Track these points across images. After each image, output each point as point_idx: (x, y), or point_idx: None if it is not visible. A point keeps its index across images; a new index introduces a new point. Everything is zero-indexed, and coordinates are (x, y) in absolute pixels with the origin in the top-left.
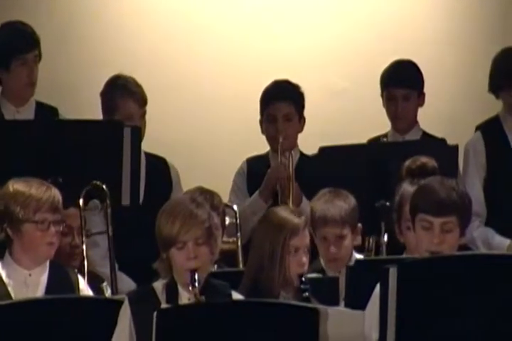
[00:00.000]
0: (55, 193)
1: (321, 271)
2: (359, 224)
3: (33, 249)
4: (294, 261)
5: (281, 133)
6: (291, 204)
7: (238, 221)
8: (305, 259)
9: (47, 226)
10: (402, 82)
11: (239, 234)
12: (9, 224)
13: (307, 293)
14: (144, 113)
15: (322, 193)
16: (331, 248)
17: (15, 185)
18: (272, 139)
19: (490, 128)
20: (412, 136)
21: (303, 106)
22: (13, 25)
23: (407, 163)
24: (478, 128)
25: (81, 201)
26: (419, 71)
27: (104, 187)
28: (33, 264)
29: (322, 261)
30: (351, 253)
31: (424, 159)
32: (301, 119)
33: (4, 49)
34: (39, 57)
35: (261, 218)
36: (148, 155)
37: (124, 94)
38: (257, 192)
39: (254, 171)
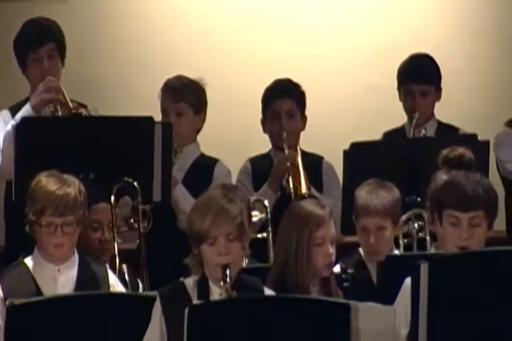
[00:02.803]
0: (68, 192)
1: (361, 263)
2: (402, 217)
3: (44, 248)
4: (320, 253)
5: (284, 129)
6: (304, 188)
7: (269, 216)
8: (331, 250)
9: (53, 229)
10: (420, 78)
11: (270, 229)
12: (26, 221)
13: (347, 283)
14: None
15: (367, 183)
16: (371, 239)
17: (37, 179)
18: (275, 136)
19: None
20: (429, 128)
21: (304, 105)
22: (32, 20)
23: (445, 151)
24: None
25: (112, 198)
26: (437, 65)
27: (135, 184)
28: (61, 259)
29: (362, 253)
30: (392, 247)
31: (461, 150)
32: (303, 117)
33: (19, 45)
34: (59, 51)
35: (286, 212)
36: (201, 156)
37: (162, 88)
38: (265, 184)
39: (259, 170)
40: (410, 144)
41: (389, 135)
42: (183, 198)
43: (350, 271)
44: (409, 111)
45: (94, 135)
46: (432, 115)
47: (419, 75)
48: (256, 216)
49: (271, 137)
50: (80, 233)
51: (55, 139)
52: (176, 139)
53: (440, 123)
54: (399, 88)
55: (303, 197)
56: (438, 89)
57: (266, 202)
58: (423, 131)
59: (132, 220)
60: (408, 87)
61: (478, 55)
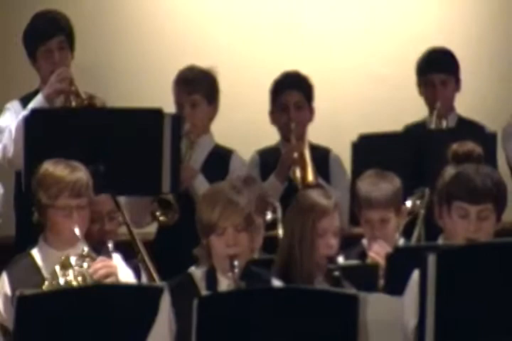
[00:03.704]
0: (80, 176)
1: (364, 254)
2: (404, 205)
3: (58, 233)
4: (322, 243)
5: (293, 121)
6: (311, 178)
7: (279, 215)
8: (333, 241)
9: (69, 211)
10: (439, 67)
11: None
12: (36, 207)
13: (337, 273)
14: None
15: (368, 174)
16: (375, 231)
17: (43, 168)
18: (284, 127)
19: None
20: (449, 121)
21: (312, 97)
22: (41, 13)
23: (455, 146)
24: None
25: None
26: (454, 57)
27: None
28: (66, 245)
29: (365, 244)
30: (396, 237)
31: (470, 145)
32: (311, 109)
33: (29, 37)
34: (69, 43)
35: (292, 200)
36: (216, 147)
37: (175, 80)
38: (272, 175)
39: (268, 162)
40: (419, 137)
41: (410, 128)
42: (204, 188)
43: (353, 261)
44: (430, 102)
45: (103, 127)
46: (453, 108)
47: (438, 65)
48: (267, 214)
49: (279, 129)
50: None
51: (65, 131)
52: (193, 131)
53: (461, 118)
54: (418, 81)
55: (310, 186)
56: (457, 81)
57: (277, 204)
58: (444, 123)
59: (158, 213)
60: (428, 77)
61: (489, 45)
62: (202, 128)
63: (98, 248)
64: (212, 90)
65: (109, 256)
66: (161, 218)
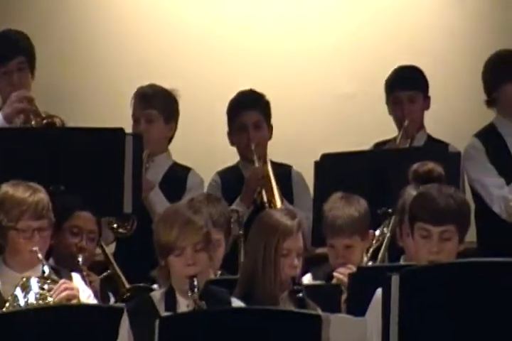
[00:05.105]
0: (41, 198)
1: (331, 275)
2: (370, 231)
3: (18, 255)
4: (286, 264)
5: (253, 141)
6: (278, 203)
7: (241, 231)
8: (297, 262)
9: (31, 233)
10: (407, 84)
11: (242, 244)
12: None
13: (301, 294)
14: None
15: (333, 199)
16: (339, 258)
17: (3, 190)
18: (244, 148)
19: (487, 135)
20: (418, 140)
21: (270, 114)
22: (0, 34)
23: (415, 166)
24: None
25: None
26: (423, 74)
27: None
28: (26, 267)
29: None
30: (364, 261)
31: (431, 165)
32: (269, 127)
33: None
34: (29, 64)
35: (255, 220)
36: (173, 165)
37: (134, 95)
38: (238, 199)
39: (228, 183)
40: (381, 155)
41: (379, 146)
42: (159, 201)
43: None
44: (399, 120)
45: (64, 146)
46: (422, 126)
47: (405, 81)
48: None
49: (239, 149)
50: (59, 235)
51: (24, 150)
52: (147, 146)
53: (430, 137)
54: (387, 99)
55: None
56: (426, 98)
57: (240, 216)
58: (408, 142)
59: (116, 225)
60: (395, 94)
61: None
62: (157, 145)
63: (68, 261)
64: (170, 109)
65: (70, 277)
66: (120, 230)
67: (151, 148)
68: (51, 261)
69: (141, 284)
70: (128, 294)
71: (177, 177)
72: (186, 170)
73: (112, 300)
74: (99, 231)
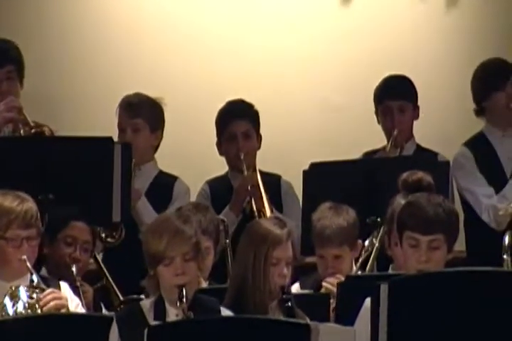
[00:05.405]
0: (30, 207)
1: (320, 284)
2: (359, 241)
3: (7, 264)
4: (275, 273)
5: (242, 150)
6: (268, 212)
7: (228, 240)
8: (286, 271)
9: (19, 242)
10: (396, 94)
11: (229, 253)
12: None
13: (290, 303)
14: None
15: (322, 209)
16: (329, 269)
17: None
18: (233, 158)
19: (476, 143)
20: (407, 149)
21: (259, 124)
22: None
23: (404, 175)
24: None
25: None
26: (413, 84)
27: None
28: (14, 276)
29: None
30: (354, 270)
31: (420, 174)
32: (259, 137)
33: None
34: (17, 73)
35: (245, 229)
36: (160, 173)
37: (119, 104)
38: (227, 207)
39: (217, 192)
40: (370, 164)
41: (369, 156)
42: (145, 210)
43: (306, 291)
44: (388, 129)
45: (53, 155)
46: (411, 135)
47: (395, 91)
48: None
49: (228, 159)
50: (53, 245)
51: (13, 160)
52: (133, 155)
53: (419, 147)
54: (376, 109)
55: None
56: (415, 107)
57: (226, 226)
58: (398, 151)
59: (104, 234)
60: (385, 104)
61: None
62: (143, 154)
63: (62, 271)
64: (156, 118)
65: (58, 286)
66: (108, 239)
67: (138, 157)
68: (43, 270)
69: (135, 296)
70: (122, 306)
71: (163, 186)
72: (173, 178)
73: (104, 311)
74: (93, 242)
